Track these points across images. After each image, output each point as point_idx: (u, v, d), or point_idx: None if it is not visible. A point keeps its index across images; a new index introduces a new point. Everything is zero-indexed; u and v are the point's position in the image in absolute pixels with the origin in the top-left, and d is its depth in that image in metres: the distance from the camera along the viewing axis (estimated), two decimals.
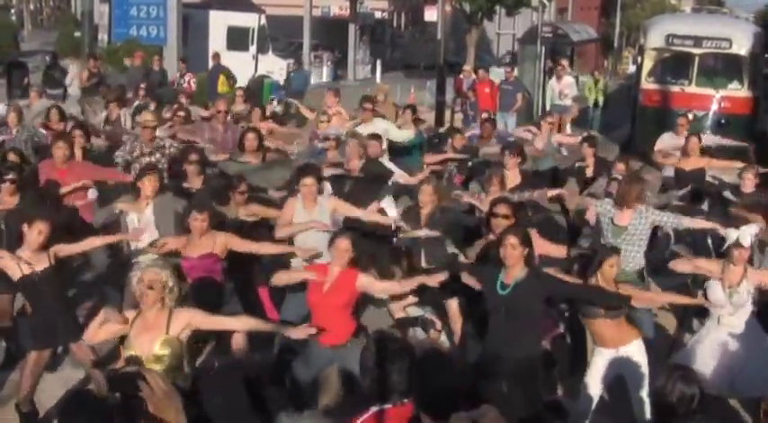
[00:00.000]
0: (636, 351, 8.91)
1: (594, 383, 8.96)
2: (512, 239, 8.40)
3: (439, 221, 11.03)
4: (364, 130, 14.85)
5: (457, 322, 10.44)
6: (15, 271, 8.82)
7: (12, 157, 12.73)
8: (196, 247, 9.74)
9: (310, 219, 10.52)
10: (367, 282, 8.91)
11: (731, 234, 9.39)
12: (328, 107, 16.69)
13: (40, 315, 8.97)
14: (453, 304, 10.40)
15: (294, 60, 38.55)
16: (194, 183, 12.16)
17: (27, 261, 8.82)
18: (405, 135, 15.73)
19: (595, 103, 29.15)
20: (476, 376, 8.13)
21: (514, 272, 8.42)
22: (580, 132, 26.35)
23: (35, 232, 8.83)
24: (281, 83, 32.00)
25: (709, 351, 9.33)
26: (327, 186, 12.24)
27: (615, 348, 8.84)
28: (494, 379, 8.29)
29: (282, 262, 10.38)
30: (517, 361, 8.43)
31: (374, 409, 5.60)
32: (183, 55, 30.78)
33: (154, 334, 7.25)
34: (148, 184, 10.67)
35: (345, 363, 8.58)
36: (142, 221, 10.65)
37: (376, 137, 13.68)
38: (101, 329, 7.52)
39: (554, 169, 15.20)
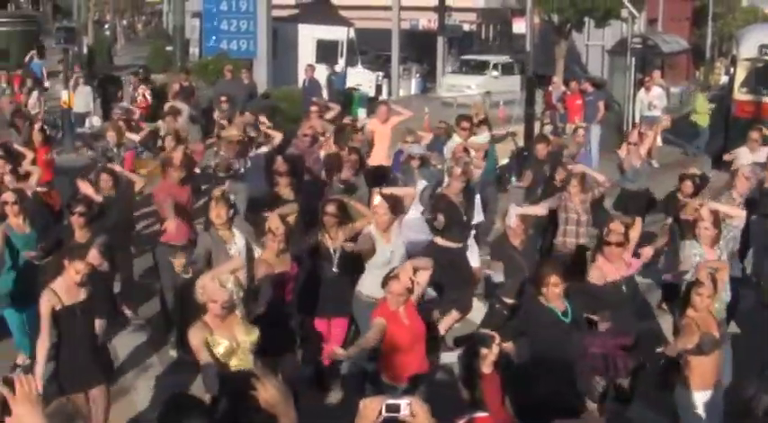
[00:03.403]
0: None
1: None
2: (553, 279, 8.41)
3: (530, 248, 11.23)
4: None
5: None
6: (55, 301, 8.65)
7: (104, 176, 12.91)
8: (282, 263, 9.74)
9: (390, 249, 10.39)
10: (415, 294, 8.74)
11: None
12: (384, 120, 16.74)
13: (74, 352, 8.77)
14: None
15: (383, 73, 38.71)
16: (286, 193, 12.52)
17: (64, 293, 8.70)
18: (482, 139, 15.91)
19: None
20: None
21: (559, 300, 8.48)
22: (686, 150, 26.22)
23: (72, 271, 8.66)
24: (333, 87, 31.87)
25: None
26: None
27: (712, 387, 8.44)
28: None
29: None
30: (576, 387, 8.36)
31: (465, 417, 5.61)
32: (248, 66, 30.91)
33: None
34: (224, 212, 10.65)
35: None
36: (241, 250, 10.60)
37: None
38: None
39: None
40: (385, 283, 8.54)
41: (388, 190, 11.20)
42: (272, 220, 9.80)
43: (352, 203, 11.35)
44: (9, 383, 3.97)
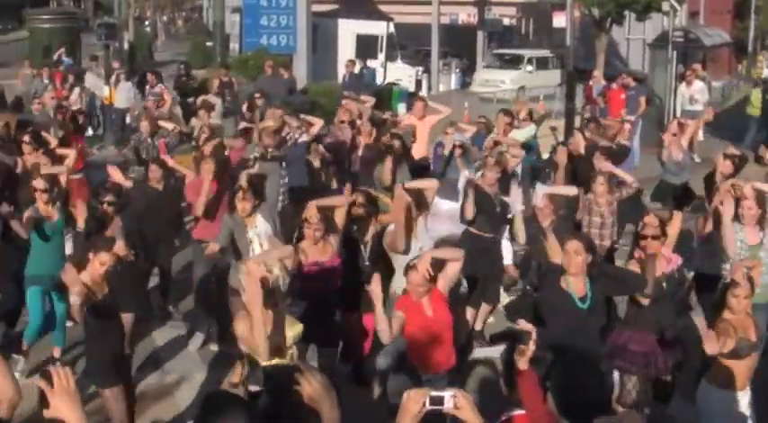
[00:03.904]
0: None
1: None
2: (575, 245, 8.13)
3: (561, 230, 11.02)
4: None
5: None
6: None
7: (153, 167, 12.87)
8: (320, 252, 9.57)
9: (418, 246, 10.04)
10: (443, 284, 8.34)
11: None
12: (421, 116, 16.63)
13: (102, 346, 8.67)
14: None
15: (423, 68, 38.64)
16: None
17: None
18: (526, 132, 15.78)
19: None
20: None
21: (581, 282, 8.16)
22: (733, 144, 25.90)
23: (97, 263, 8.60)
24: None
25: None
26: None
27: (744, 389, 8.18)
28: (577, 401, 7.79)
29: None
30: (597, 376, 8.18)
31: (505, 414, 5.59)
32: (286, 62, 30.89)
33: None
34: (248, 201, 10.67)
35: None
36: (260, 234, 10.69)
37: None
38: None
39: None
40: (405, 272, 8.31)
41: (409, 184, 10.77)
42: (308, 209, 9.74)
43: (380, 196, 11.28)
44: (47, 377, 3.99)
